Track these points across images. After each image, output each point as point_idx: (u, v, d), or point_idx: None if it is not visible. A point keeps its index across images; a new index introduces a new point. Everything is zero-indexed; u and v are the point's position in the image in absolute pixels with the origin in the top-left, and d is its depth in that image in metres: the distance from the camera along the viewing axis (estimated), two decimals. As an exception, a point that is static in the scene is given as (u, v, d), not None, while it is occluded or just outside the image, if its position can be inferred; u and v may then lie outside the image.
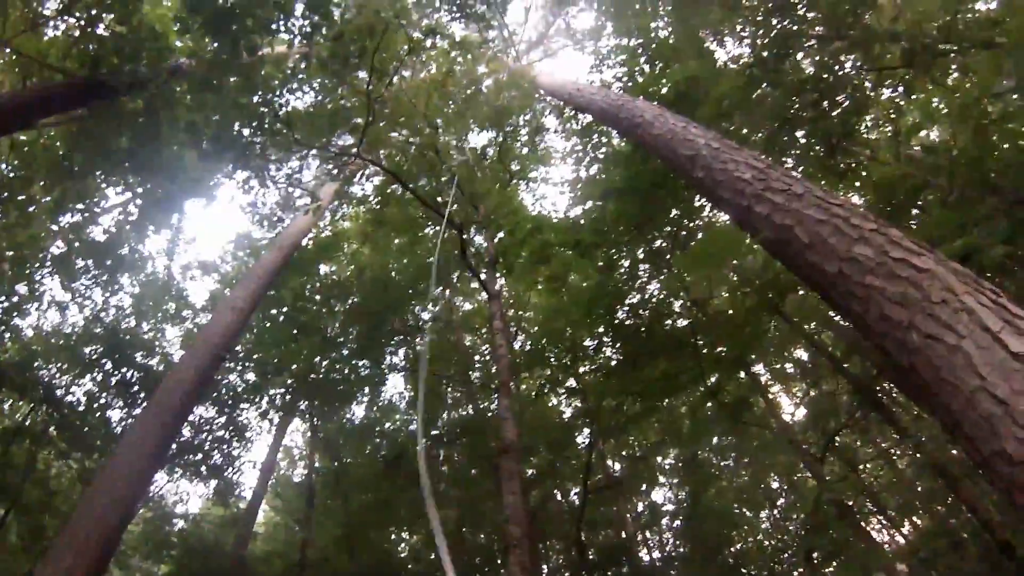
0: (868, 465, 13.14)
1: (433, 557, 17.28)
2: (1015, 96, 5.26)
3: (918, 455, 9.99)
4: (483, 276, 11.65)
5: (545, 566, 16.35)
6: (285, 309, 14.50)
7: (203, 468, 14.63)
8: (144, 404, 12.20)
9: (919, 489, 12.33)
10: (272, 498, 18.97)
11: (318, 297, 15.04)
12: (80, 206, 11.17)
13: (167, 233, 14.34)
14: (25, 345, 13.12)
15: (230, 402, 14.88)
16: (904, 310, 2.60)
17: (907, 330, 2.56)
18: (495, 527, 15.29)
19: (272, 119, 8.56)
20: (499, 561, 16.19)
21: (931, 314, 2.47)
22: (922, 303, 2.53)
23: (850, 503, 10.21)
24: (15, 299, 12.22)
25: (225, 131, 8.09)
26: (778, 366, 14.65)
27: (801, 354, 13.78)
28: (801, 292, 9.80)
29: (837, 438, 10.64)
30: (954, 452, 8.45)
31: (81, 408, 13.04)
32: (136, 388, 13.23)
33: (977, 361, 2.23)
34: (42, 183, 9.82)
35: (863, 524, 11.06)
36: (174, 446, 12.19)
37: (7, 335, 12.64)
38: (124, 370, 13.23)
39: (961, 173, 5.27)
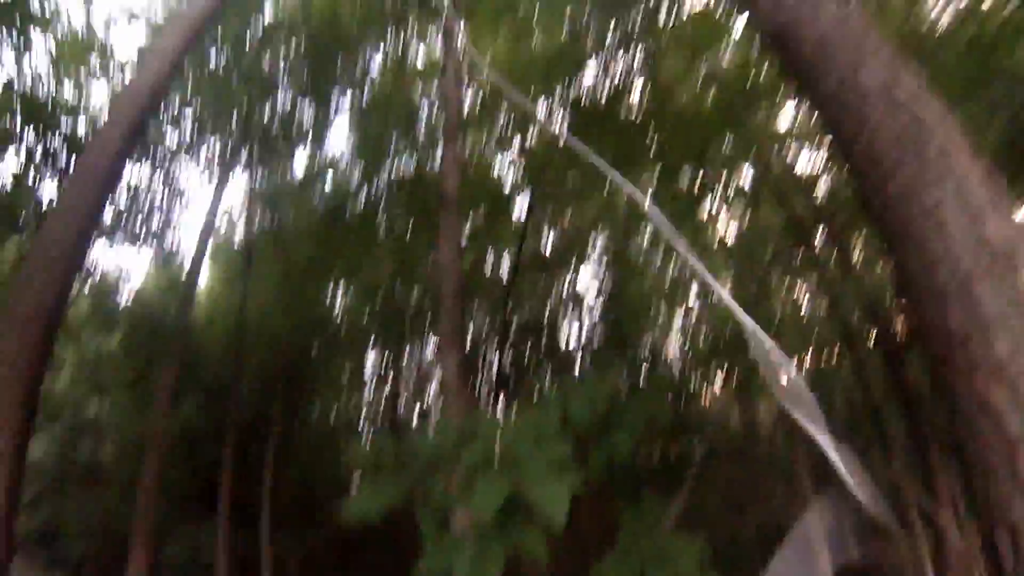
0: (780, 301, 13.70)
1: (366, 314, 17.89)
2: None
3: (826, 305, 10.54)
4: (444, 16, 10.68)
5: (471, 327, 16.96)
6: (223, 53, 13.17)
7: (142, 232, 14.26)
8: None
9: (816, 333, 13.09)
10: (213, 262, 18.91)
11: (260, 38, 13.62)
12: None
13: (83, -23, 12.35)
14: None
15: (167, 158, 14.12)
16: (893, 151, 2.51)
17: (890, 175, 2.49)
18: (427, 285, 15.69)
19: None
20: (428, 318, 16.94)
21: (919, 167, 2.40)
22: (913, 151, 2.44)
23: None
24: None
25: None
26: (725, 179, 14.67)
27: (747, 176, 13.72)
28: (766, 109, 9.58)
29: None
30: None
31: (7, 189, 12.12)
32: (64, 156, 12.25)
33: (950, 231, 2.22)
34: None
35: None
36: (110, 212, 11.69)
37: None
38: (48, 140, 12.13)
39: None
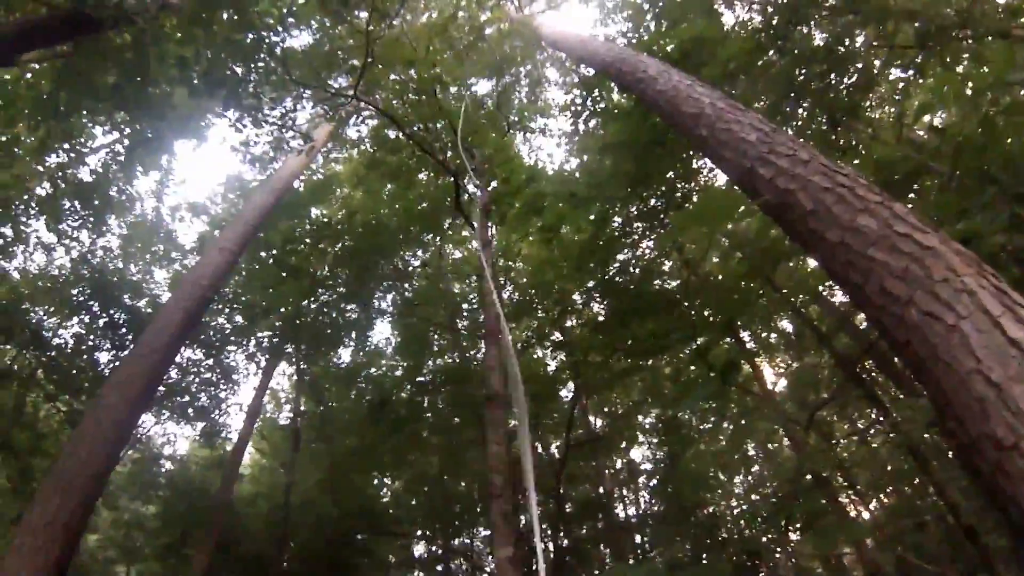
0: (843, 440, 13.41)
1: (414, 503, 17.66)
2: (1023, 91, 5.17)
3: (893, 435, 10.25)
4: (475, 224, 11.53)
5: (523, 516, 16.68)
6: (274, 251, 14.40)
7: (190, 410, 14.72)
8: (131, 346, 12.17)
9: (890, 468, 12.61)
10: (258, 441, 19.19)
11: (308, 240, 14.95)
12: (66, 146, 10.90)
13: (156, 174, 14.20)
14: (12, 288, 12.94)
15: (217, 344, 14.89)
16: (904, 285, 2.57)
17: (906, 306, 2.54)
18: (476, 475, 15.51)
19: (267, 57, 8.31)
20: (478, 509, 16.53)
21: (932, 292, 2.46)
22: (923, 280, 2.51)
23: (824, 475, 10.45)
24: (0, 242, 12.02)
25: (217, 68, 7.84)
26: (763, 334, 14.77)
27: (786, 325, 13.88)
28: (791, 263, 9.81)
29: (818, 411, 10.80)
30: (927, 436, 8.61)
31: (68, 350, 13.00)
32: (124, 330, 13.17)
33: (974, 343, 2.22)
34: (26, 122, 9.53)
35: (835, 497, 11.36)
36: (161, 388, 12.20)
37: (-7, 278, 12.51)
38: (112, 312, 13.15)
39: (963, 160, 5.21)
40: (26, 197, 11.72)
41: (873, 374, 11.70)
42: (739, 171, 3.90)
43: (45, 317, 13.23)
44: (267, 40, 8.35)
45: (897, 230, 2.74)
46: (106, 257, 13.67)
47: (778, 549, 12.75)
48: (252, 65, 8.27)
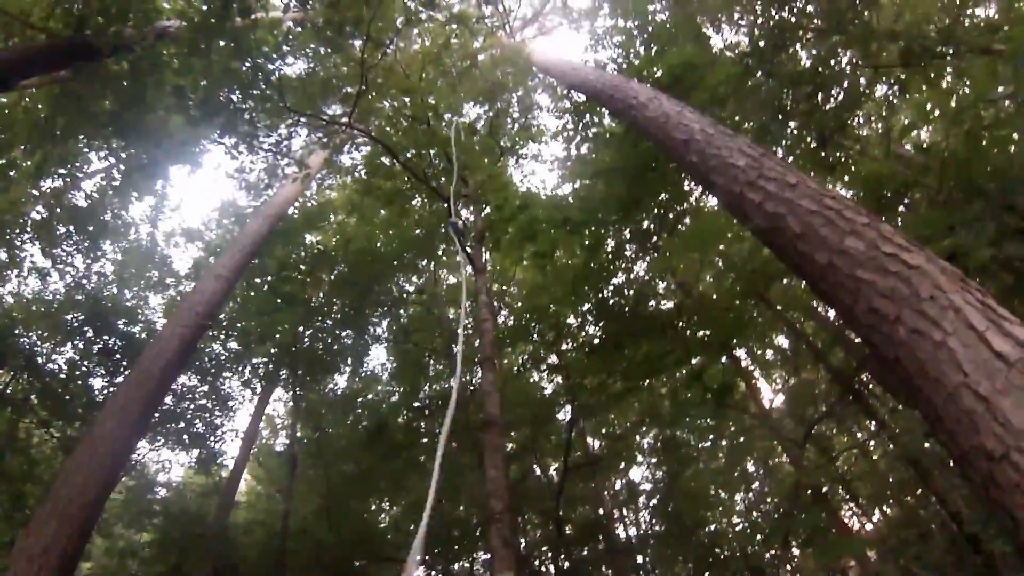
0: (843, 454, 13.44)
1: (413, 528, 17.49)
2: (1007, 103, 5.29)
3: (892, 446, 10.25)
4: (469, 250, 11.59)
5: (523, 540, 16.61)
6: (269, 278, 14.40)
7: (185, 437, 14.61)
8: (126, 372, 12.11)
9: (890, 480, 12.61)
10: (254, 467, 19.02)
11: (303, 266, 14.96)
12: (62, 171, 10.98)
13: (151, 199, 14.24)
14: (5, 312, 12.86)
15: (213, 371, 14.82)
16: (892, 304, 2.64)
17: (894, 324, 2.60)
18: (473, 500, 15.41)
19: (263, 85, 8.41)
20: (477, 533, 16.40)
21: (918, 310, 2.52)
22: (910, 298, 2.57)
23: (824, 490, 10.45)
24: (-6, 266, 12.04)
25: (213, 96, 7.94)
26: (759, 352, 14.83)
27: (782, 341, 13.95)
28: (785, 280, 9.90)
29: (815, 426, 10.83)
30: (927, 445, 8.64)
31: (63, 376, 12.90)
32: (118, 356, 13.08)
33: (961, 358, 2.28)
34: (23, 147, 9.59)
35: (836, 511, 11.35)
36: (156, 414, 12.10)
37: (-13, 302, 12.48)
38: (106, 338, 13.06)
39: (950, 175, 5.32)
40: (21, 221, 11.74)
41: (869, 387, 11.75)
42: (729, 196, 3.98)
43: (39, 342, 13.15)
44: (263, 68, 8.47)
45: (884, 250, 2.81)
46: (100, 282, 13.65)
47: (780, 566, 12.69)
48: (249, 93, 8.37)
